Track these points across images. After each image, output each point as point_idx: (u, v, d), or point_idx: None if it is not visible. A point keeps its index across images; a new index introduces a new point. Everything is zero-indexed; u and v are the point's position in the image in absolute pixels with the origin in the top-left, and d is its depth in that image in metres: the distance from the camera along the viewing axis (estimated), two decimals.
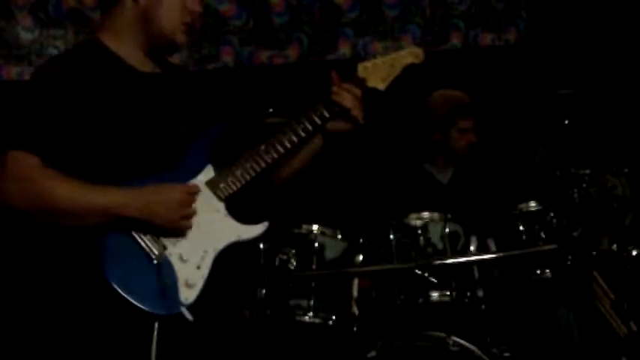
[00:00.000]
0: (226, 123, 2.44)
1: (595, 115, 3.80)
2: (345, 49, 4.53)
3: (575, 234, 3.03)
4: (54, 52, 4.42)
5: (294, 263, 3.21)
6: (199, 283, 2.21)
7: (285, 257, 3.19)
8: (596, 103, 3.89)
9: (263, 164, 2.36)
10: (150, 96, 2.32)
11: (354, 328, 3.15)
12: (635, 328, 3.02)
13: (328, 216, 3.36)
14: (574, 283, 3.12)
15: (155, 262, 2.17)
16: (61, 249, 2.22)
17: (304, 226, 3.25)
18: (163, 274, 2.16)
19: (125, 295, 2.10)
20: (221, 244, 2.28)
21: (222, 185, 2.31)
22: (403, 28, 4.53)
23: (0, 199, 2.14)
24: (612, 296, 3.05)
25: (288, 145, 2.40)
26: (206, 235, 2.26)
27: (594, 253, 3.07)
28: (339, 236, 3.31)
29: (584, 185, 3.10)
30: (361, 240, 3.25)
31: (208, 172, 2.32)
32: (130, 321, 2.13)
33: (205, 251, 2.25)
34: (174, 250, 2.21)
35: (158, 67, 2.41)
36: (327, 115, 2.43)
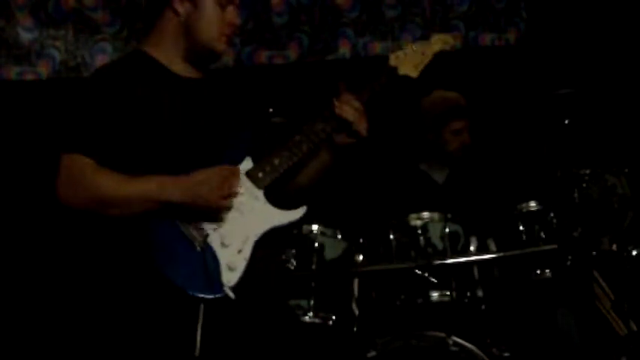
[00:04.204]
0: (255, 128, 2.54)
1: (595, 115, 3.81)
2: (345, 49, 4.52)
3: (575, 234, 3.04)
4: (54, 52, 4.42)
5: (294, 263, 3.22)
6: (241, 266, 2.30)
7: (285, 257, 3.20)
8: (596, 102, 3.90)
9: (300, 154, 2.45)
10: (190, 99, 2.45)
11: (354, 328, 3.16)
12: (635, 328, 3.02)
13: (328, 216, 3.36)
14: (574, 283, 3.13)
15: (198, 248, 2.28)
16: (115, 242, 2.37)
17: (304, 226, 3.26)
18: (206, 260, 2.27)
19: (172, 281, 2.22)
20: (261, 230, 2.37)
21: (260, 175, 2.41)
22: (403, 28, 4.52)
23: (61, 200, 2.30)
24: (612, 296, 3.05)
25: (317, 140, 2.46)
26: (246, 221, 2.37)
27: (594, 253, 3.07)
28: (339, 236, 3.31)
29: (584, 185, 3.10)
30: (361, 240, 3.25)
31: (247, 163, 2.43)
32: (177, 305, 2.24)
33: (247, 236, 2.35)
34: (216, 236, 2.32)
35: (199, 73, 2.52)
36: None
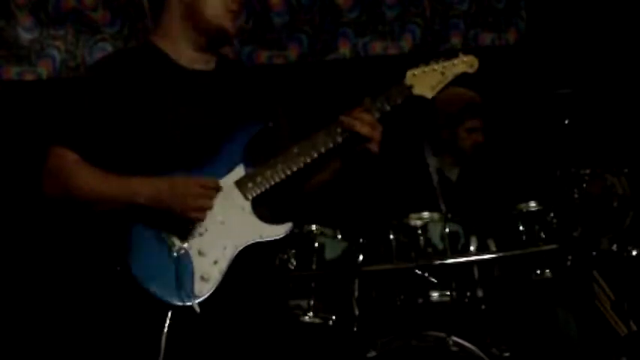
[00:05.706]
0: (264, 124, 2.45)
1: (595, 114, 3.81)
2: (345, 49, 4.53)
3: (575, 234, 3.04)
4: (54, 52, 4.43)
5: (294, 263, 3.22)
6: (215, 278, 2.25)
7: (285, 257, 3.20)
8: (596, 102, 3.90)
9: (294, 168, 2.36)
10: (192, 93, 2.40)
11: (354, 328, 3.16)
12: (635, 328, 3.03)
13: (328, 216, 3.36)
14: (574, 283, 3.13)
15: (174, 254, 2.24)
16: (90, 239, 2.36)
17: (304, 226, 3.26)
18: (180, 267, 2.22)
19: (142, 284, 2.20)
20: (242, 242, 2.30)
21: (250, 185, 2.34)
22: (403, 28, 4.52)
23: (43, 191, 2.33)
24: (612, 296, 3.05)
25: (315, 155, 2.38)
26: (228, 231, 2.30)
27: (594, 253, 3.08)
28: (339, 236, 3.31)
29: (584, 185, 3.10)
30: (361, 240, 3.25)
31: (239, 172, 2.35)
32: (145, 308, 2.22)
33: (225, 247, 2.28)
34: (195, 244, 2.26)
35: (211, 64, 2.48)
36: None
